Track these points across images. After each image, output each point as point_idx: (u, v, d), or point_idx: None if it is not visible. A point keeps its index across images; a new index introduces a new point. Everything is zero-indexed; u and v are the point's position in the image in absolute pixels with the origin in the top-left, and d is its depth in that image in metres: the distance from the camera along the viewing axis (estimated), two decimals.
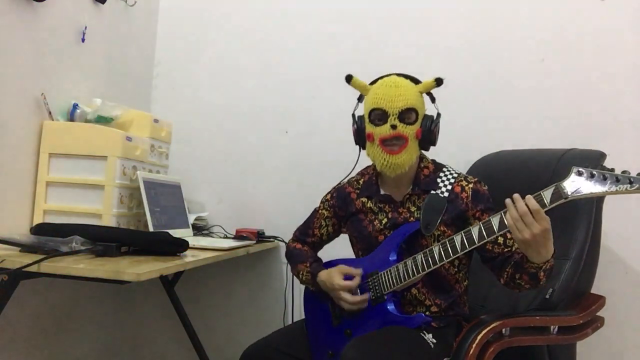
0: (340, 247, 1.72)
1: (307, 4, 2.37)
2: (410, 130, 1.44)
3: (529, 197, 1.22)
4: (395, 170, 1.45)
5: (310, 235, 1.69)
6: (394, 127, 1.43)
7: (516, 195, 1.24)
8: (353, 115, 1.55)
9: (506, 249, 1.42)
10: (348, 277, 1.49)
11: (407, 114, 1.44)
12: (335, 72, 2.30)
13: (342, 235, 1.70)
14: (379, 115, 1.45)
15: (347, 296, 1.47)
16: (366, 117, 1.49)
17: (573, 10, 2.10)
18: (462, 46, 2.21)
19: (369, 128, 1.47)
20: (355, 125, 1.54)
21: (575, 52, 2.09)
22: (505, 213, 1.26)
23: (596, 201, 1.67)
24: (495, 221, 1.29)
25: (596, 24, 2.08)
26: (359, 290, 1.49)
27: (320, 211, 1.68)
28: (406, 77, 1.50)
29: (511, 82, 2.15)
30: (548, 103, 2.11)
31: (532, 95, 2.13)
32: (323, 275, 1.54)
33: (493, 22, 2.18)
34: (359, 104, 1.57)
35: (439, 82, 1.45)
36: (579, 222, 1.63)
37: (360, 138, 1.52)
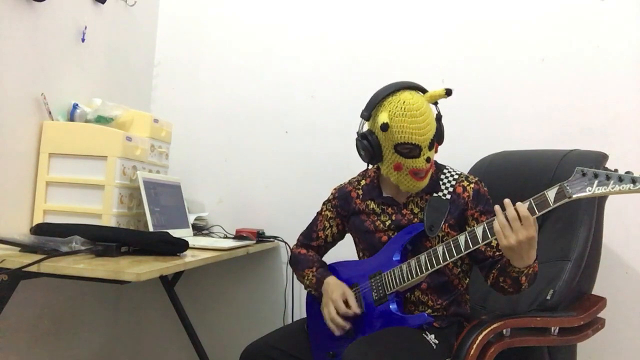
0: (341, 248, 1.72)
1: (306, 4, 2.37)
2: (434, 153, 1.45)
3: (519, 204, 1.24)
4: (418, 190, 1.47)
5: (314, 239, 1.68)
6: (428, 160, 1.41)
7: (507, 201, 1.25)
8: (360, 133, 1.47)
9: (497, 252, 1.43)
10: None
11: (433, 140, 1.43)
12: (335, 72, 2.34)
13: (344, 237, 1.70)
14: (409, 149, 1.39)
15: (332, 311, 1.46)
16: (390, 147, 1.41)
17: (573, 9, 2.10)
18: (462, 46, 2.21)
19: (397, 159, 1.41)
20: (369, 145, 1.44)
21: (575, 52, 2.09)
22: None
23: (598, 202, 1.67)
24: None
25: (596, 24, 2.08)
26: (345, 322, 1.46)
27: (323, 213, 1.68)
28: (414, 88, 1.43)
29: (511, 82, 2.15)
30: (548, 103, 2.11)
31: (532, 95, 2.13)
32: (332, 281, 1.53)
33: (493, 22, 2.18)
34: (364, 122, 1.47)
35: (449, 93, 1.40)
36: (581, 223, 1.62)
37: (374, 158, 1.46)
